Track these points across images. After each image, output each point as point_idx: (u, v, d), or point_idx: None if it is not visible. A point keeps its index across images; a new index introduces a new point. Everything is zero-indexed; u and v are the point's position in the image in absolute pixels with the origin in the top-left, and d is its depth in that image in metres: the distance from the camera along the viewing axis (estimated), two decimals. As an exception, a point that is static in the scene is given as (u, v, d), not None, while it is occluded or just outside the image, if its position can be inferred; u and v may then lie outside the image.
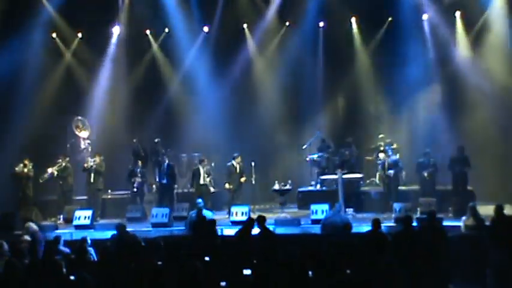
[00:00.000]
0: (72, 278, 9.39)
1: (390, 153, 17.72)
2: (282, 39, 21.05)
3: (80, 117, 20.02)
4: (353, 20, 20.77)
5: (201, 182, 17.66)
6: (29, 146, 18.69)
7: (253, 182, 18.03)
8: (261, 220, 12.42)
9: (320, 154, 19.09)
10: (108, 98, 20.82)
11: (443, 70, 19.63)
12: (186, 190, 19.19)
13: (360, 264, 9.41)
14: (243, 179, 17.68)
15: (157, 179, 18.34)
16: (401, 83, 19.42)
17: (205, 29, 21.01)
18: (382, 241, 11.24)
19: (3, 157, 18.46)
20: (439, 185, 17.48)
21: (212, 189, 18.06)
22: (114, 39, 20.99)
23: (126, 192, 18.68)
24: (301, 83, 20.67)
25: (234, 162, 17.76)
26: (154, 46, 21.43)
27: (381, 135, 19.28)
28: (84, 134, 19.96)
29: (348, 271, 9.21)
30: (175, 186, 18.29)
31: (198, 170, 17.86)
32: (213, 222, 12.89)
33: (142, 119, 20.58)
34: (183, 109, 20.88)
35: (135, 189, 17.92)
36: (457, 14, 19.67)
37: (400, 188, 17.81)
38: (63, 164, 18.00)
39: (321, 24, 20.77)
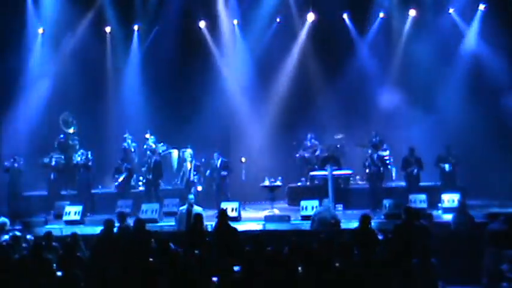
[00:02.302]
0: (60, 274, 9.41)
1: (380, 149, 17.81)
2: (276, 34, 21.00)
3: (67, 113, 19.87)
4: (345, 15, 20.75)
5: (191, 178, 17.75)
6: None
7: (243, 178, 18.09)
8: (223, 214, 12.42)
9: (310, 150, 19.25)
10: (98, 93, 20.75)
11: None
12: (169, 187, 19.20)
13: (348, 261, 9.44)
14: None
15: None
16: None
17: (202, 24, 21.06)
18: (371, 237, 11.29)
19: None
20: (425, 181, 17.60)
21: (199, 188, 17.99)
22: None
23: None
24: (292, 79, 20.64)
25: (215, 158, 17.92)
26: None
27: (373, 133, 19.24)
28: (70, 130, 19.80)
29: (337, 264, 9.28)
30: (160, 182, 18.22)
31: (188, 166, 17.98)
32: (199, 216, 12.85)
33: (133, 114, 20.50)
34: (174, 104, 20.80)
35: (116, 184, 17.97)
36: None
37: (388, 184, 17.85)
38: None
39: (311, 17, 20.67)
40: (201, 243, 11.44)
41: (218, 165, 17.79)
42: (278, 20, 20.91)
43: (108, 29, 21.00)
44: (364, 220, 11.53)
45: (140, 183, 19.01)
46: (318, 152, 19.11)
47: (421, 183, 17.46)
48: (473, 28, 19.70)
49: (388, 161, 18.39)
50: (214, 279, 9.04)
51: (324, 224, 13.15)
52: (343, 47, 20.46)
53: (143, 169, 18.20)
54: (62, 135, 19.69)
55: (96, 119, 20.38)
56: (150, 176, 17.89)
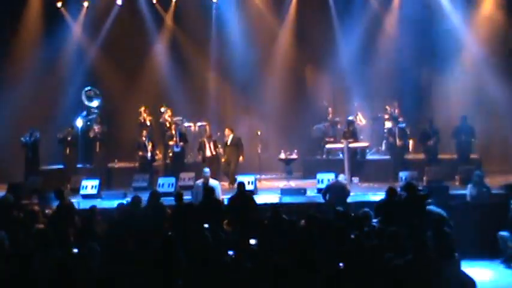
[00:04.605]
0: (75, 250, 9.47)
1: (397, 121, 17.70)
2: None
3: (90, 87, 19.82)
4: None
5: (208, 154, 17.62)
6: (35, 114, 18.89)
7: (259, 151, 18.05)
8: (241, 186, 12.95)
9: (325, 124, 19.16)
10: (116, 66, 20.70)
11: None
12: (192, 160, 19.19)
13: (364, 232, 9.43)
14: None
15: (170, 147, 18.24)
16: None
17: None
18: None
19: (8, 125, 18.66)
20: (443, 153, 17.51)
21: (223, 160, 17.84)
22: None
23: (133, 161, 18.67)
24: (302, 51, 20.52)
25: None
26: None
27: (395, 103, 19.06)
28: (94, 103, 19.76)
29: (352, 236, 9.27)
30: (187, 153, 18.36)
31: (203, 141, 17.83)
32: (211, 190, 12.92)
33: (148, 87, 20.46)
34: (194, 78, 20.75)
35: (149, 158, 17.95)
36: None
37: (406, 157, 17.76)
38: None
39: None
40: (212, 216, 11.52)
41: (229, 141, 17.66)
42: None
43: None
44: (391, 192, 11.56)
45: (170, 155, 18.76)
46: (339, 126, 19.00)
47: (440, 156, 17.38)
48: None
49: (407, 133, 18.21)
50: (230, 252, 9.05)
51: (336, 190, 13.19)
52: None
53: (170, 143, 18.08)
54: (83, 109, 19.66)
55: (110, 93, 20.30)
56: (177, 149, 17.85)
